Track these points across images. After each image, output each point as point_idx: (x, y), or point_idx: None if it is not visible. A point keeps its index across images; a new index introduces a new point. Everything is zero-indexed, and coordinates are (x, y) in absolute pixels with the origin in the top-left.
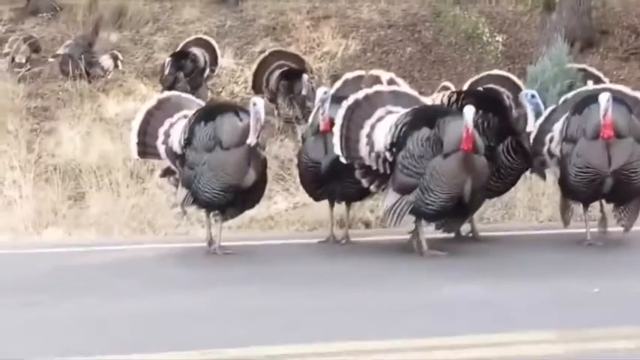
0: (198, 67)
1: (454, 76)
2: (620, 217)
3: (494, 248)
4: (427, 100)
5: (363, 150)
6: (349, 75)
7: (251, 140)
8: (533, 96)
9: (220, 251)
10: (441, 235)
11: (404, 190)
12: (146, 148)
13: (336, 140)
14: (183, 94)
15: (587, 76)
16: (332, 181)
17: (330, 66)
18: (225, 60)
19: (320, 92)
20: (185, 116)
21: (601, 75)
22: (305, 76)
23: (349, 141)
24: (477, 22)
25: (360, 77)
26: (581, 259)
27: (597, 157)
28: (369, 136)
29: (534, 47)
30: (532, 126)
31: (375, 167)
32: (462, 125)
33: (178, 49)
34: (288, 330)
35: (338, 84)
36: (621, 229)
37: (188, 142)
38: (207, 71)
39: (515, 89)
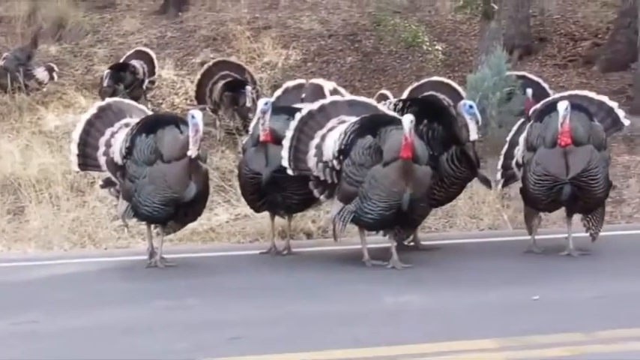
0: (137, 79)
1: (395, 85)
2: (587, 226)
3: (435, 257)
4: (385, 109)
5: (311, 161)
6: (290, 83)
7: (191, 152)
8: (471, 106)
9: (161, 264)
10: (382, 244)
11: (346, 198)
12: (87, 160)
13: (284, 152)
14: (126, 100)
15: (527, 83)
16: (273, 192)
17: (270, 76)
18: (166, 71)
19: (261, 103)
20: (127, 124)
21: (541, 81)
22: (248, 88)
23: (298, 152)
24: (416, 31)
25: (300, 86)
26: (520, 266)
27: (555, 164)
28: (318, 146)
29: (474, 55)
30: (475, 135)
31: (322, 178)
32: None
33: (121, 60)
34: (230, 343)
35: (278, 92)
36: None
37: (129, 153)
38: (146, 82)
39: (456, 96)
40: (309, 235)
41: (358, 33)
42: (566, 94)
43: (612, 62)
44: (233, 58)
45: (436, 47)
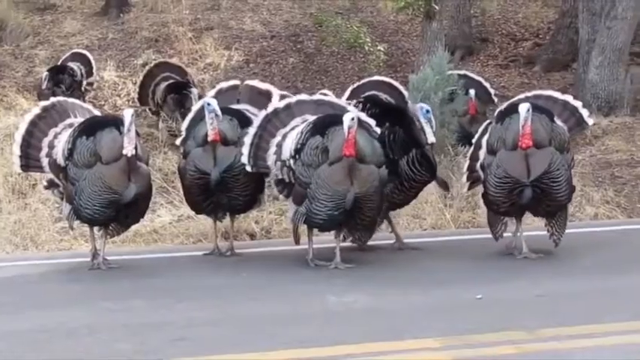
0: (75, 82)
1: (337, 86)
2: (551, 231)
3: (377, 257)
4: (352, 109)
5: (271, 159)
6: (223, 85)
7: (126, 151)
8: (427, 111)
9: (104, 265)
10: (327, 244)
11: (298, 200)
12: (29, 161)
13: (245, 149)
14: (70, 100)
15: (468, 83)
16: (220, 193)
17: (213, 77)
18: (108, 73)
19: (213, 103)
20: (71, 125)
21: (482, 80)
22: (194, 90)
23: (259, 150)
24: (358, 32)
25: (235, 87)
26: (463, 265)
27: (516, 167)
28: (279, 145)
29: (416, 56)
30: (433, 138)
31: (280, 176)
32: None
33: (59, 63)
34: (174, 344)
35: (211, 93)
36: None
37: (70, 155)
38: (85, 84)
39: (397, 95)
40: (252, 236)
41: (300, 34)
42: (530, 94)
43: (553, 62)
44: (174, 60)
45: (378, 48)
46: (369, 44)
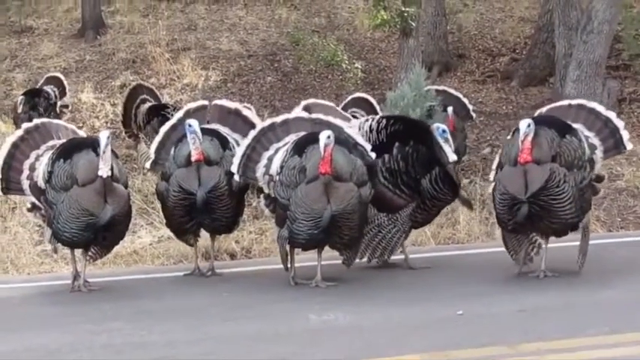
0: (51, 104)
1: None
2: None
3: (358, 274)
4: (354, 129)
5: (260, 170)
6: (191, 105)
7: (101, 172)
8: (444, 130)
9: (85, 288)
10: (307, 262)
11: (279, 222)
12: (10, 184)
13: (235, 159)
14: (55, 121)
15: (446, 99)
16: (204, 213)
17: (191, 98)
18: (85, 95)
19: (194, 124)
20: (53, 147)
21: (460, 95)
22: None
23: (250, 161)
24: (335, 50)
25: (203, 107)
26: (443, 281)
27: (514, 182)
28: (270, 158)
29: (393, 73)
30: (454, 156)
31: (266, 190)
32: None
33: (38, 86)
34: None
35: (179, 114)
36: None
37: (49, 178)
38: (59, 105)
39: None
40: (232, 256)
41: (277, 53)
42: (575, 102)
43: (530, 77)
44: (152, 81)
45: (355, 65)
46: (346, 62)
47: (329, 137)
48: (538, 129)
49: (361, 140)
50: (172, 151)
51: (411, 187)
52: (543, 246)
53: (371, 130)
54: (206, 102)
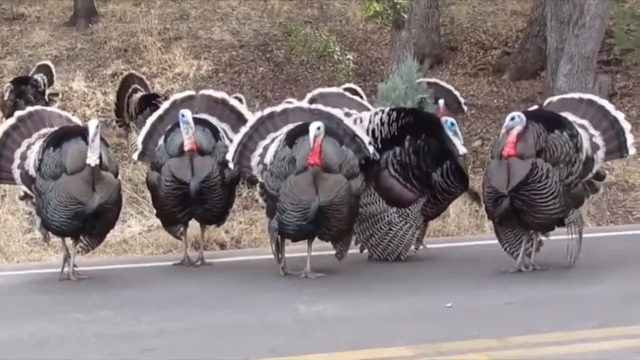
0: (39, 92)
1: (306, 95)
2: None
3: (348, 266)
4: (349, 121)
5: (255, 159)
6: (178, 96)
7: (90, 161)
8: (452, 124)
9: (74, 277)
10: (292, 254)
11: (269, 212)
12: (1, 173)
13: (232, 147)
14: (49, 108)
15: (438, 91)
16: (196, 203)
17: (182, 87)
18: (77, 83)
19: (184, 114)
20: (44, 135)
21: (452, 88)
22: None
23: (245, 149)
24: (327, 41)
25: (189, 97)
26: (433, 274)
27: (497, 176)
28: (265, 147)
29: (385, 65)
30: (463, 149)
31: (260, 179)
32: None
33: (30, 73)
34: (144, 353)
35: (166, 105)
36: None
37: (39, 167)
38: (48, 93)
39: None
40: (222, 246)
41: (269, 43)
42: (585, 96)
43: (522, 70)
44: (143, 70)
45: (347, 57)
46: (338, 53)
47: (319, 128)
48: (528, 122)
49: (360, 132)
50: (163, 141)
51: (422, 181)
52: (537, 239)
53: (382, 123)
54: (193, 92)
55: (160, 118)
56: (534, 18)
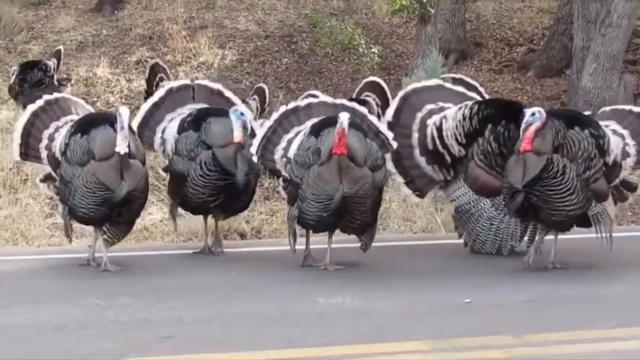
0: (48, 76)
1: (330, 87)
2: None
3: (368, 259)
4: (373, 118)
5: (278, 153)
6: (174, 84)
7: (119, 149)
8: (533, 114)
9: (94, 262)
10: (313, 246)
11: (290, 200)
12: (28, 150)
13: (255, 141)
14: (74, 98)
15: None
16: (237, 194)
17: (206, 76)
18: (101, 69)
19: (243, 112)
20: (72, 121)
21: (477, 84)
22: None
23: (269, 143)
24: (353, 34)
25: (185, 86)
26: (453, 269)
27: (513, 172)
28: (289, 141)
29: (410, 59)
30: None
31: (283, 173)
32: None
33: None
34: (162, 342)
35: (161, 93)
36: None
37: (64, 152)
38: (56, 78)
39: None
40: (242, 236)
41: (294, 34)
42: (629, 107)
43: (547, 68)
44: (168, 58)
45: (372, 50)
46: (363, 46)
47: (348, 119)
48: (547, 119)
49: (384, 129)
50: (193, 131)
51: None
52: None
53: (464, 118)
54: (189, 81)
55: (156, 105)
56: (561, 16)
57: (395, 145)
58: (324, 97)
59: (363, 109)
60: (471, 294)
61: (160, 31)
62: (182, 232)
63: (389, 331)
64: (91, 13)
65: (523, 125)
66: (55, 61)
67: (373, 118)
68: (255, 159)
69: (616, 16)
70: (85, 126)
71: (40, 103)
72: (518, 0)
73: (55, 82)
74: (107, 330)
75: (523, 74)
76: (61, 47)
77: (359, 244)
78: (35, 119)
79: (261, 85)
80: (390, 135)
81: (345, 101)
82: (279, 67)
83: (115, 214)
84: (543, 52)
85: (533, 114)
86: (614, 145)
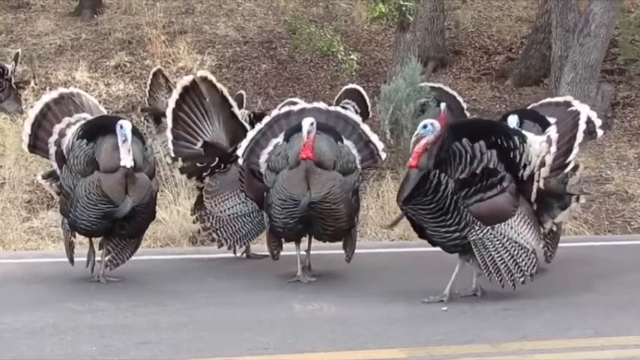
0: (5, 79)
1: (309, 93)
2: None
3: (344, 266)
4: (366, 126)
5: (264, 157)
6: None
7: (124, 162)
8: (425, 126)
9: (104, 279)
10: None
11: (264, 206)
12: (37, 142)
13: (244, 143)
14: (90, 96)
15: (441, 96)
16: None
17: None
18: (80, 73)
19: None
20: (85, 119)
21: (456, 94)
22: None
23: (257, 146)
24: (332, 40)
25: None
26: (429, 278)
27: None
28: (276, 145)
29: (388, 66)
30: None
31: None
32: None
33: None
34: (138, 347)
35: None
36: None
37: (67, 156)
38: (14, 81)
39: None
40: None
41: (274, 40)
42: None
43: (525, 77)
44: (146, 63)
45: (351, 57)
46: (342, 53)
47: (312, 124)
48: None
49: (375, 139)
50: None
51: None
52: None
53: None
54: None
55: None
56: (539, 25)
57: (384, 156)
58: (318, 104)
59: (357, 117)
60: (447, 302)
61: (139, 36)
62: (159, 238)
63: (365, 339)
64: (71, 17)
65: (413, 138)
66: (14, 64)
67: (366, 127)
68: (240, 161)
69: (594, 25)
70: (93, 131)
71: (54, 94)
72: (497, 9)
73: (13, 85)
74: (83, 335)
75: (501, 82)
76: (19, 50)
77: (337, 252)
78: (48, 111)
79: (241, 92)
80: (380, 145)
81: (338, 108)
82: (258, 73)
83: (117, 227)
84: (522, 61)
85: (425, 126)
86: (536, 153)
